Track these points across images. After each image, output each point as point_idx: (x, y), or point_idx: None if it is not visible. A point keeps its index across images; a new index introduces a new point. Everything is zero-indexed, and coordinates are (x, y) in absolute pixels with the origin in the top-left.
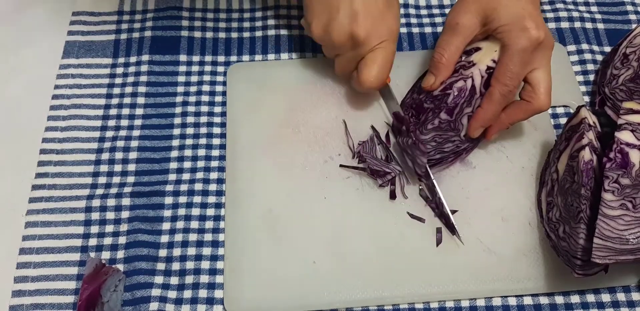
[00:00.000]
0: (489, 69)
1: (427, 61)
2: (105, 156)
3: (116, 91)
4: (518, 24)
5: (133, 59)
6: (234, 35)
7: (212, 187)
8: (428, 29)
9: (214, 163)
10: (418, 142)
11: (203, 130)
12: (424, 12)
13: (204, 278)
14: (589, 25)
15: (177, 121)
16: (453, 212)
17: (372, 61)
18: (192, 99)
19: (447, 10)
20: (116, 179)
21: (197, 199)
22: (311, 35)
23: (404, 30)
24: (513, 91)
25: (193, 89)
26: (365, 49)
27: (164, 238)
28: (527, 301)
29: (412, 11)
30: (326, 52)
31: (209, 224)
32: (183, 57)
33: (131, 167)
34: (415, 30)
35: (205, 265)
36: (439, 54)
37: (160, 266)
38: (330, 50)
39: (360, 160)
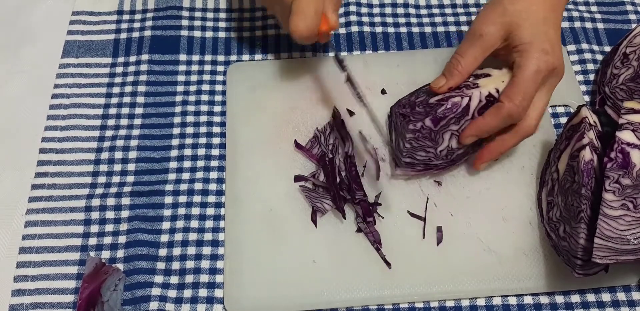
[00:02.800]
0: (490, 96)
1: (427, 61)
2: (104, 155)
3: (116, 90)
4: (539, 46)
5: (133, 59)
6: (234, 34)
7: (212, 186)
8: (428, 29)
9: (214, 162)
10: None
11: (203, 129)
12: (423, 11)
13: (204, 277)
14: (588, 25)
15: (177, 120)
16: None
17: (296, 10)
18: (192, 98)
19: (447, 10)
20: (116, 179)
21: (197, 198)
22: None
23: (404, 30)
24: (522, 114)
25: (193, 88)
26: None
27: (164, 237)
28: (528, 300)
29: (412, 11)
30: (269, 13)
31: (209, 224)
32: (183, 57)
33: (131, 166)
34: (415, 30)
35: (205, 264)
36: (457, 60)
37: (160, 265)
38: (270, 10)
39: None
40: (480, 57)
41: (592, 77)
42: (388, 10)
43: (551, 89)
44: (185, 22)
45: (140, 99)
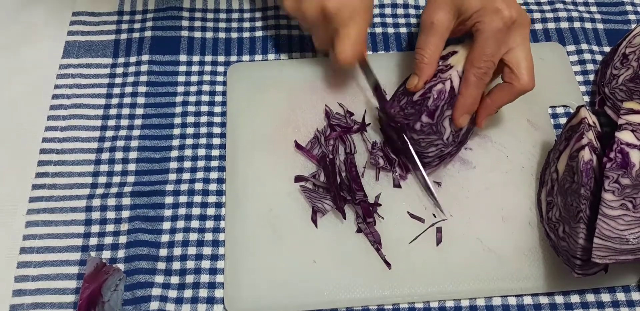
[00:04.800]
0: None
1: None
2: (105, 155)
3: (116, 90)
4: (490, 7)
5: (133, 59)
6: (234, 35)
7: (212, 187)
8: None
9: (214, 163)
10: (391, 121)
11: (203, 130)
12: None
13: (205, 278)
14: (588, 25)
15: (177, 120)
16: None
17: (346, 36)
18: (192, 98)
19: None
20: (116, 179)
21: (197, 198)
22: (284, 9)
23: (403, 30)
24: (488, 73)
25: (193, 88)
26: (337, 22)
27: (165, 238)
28: (527, 300)
29: (412, 11)
30: (302, 27)
31: (210, 224)
32: (183, 57)
33: (131, 166)
34: (415, 30)
35: (205, 264)
36: (420, 54)
37: (161, 265)
38: (305, 25)
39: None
40: (440, 43)
41: (591, 77)
42: (388, 10)
43: (525, 41)
44: (185, 23)
45: (141, 100)
